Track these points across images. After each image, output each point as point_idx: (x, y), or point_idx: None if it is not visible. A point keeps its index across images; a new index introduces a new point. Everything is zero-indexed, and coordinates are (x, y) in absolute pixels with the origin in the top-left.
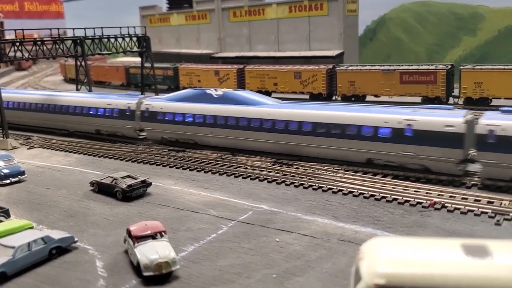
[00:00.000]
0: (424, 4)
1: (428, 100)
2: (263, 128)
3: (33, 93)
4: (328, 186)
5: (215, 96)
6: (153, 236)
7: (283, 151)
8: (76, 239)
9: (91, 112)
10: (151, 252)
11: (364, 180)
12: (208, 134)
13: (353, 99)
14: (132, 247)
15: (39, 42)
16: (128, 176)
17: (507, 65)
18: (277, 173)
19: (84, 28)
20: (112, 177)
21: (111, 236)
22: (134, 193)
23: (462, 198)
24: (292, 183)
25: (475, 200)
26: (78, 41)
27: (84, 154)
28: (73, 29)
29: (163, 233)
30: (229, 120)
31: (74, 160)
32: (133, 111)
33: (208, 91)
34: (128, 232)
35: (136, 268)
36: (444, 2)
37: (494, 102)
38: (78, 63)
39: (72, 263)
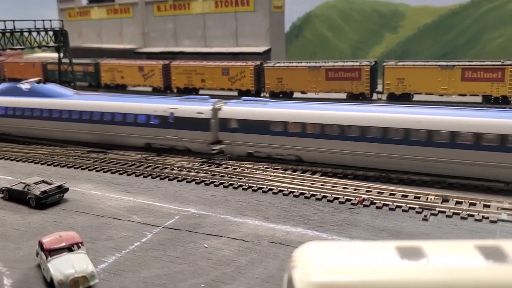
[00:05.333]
0: (348, 1)
1: (353, 96)
2: None
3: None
4: (258, 186)
5: None
6: (69, 248)
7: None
8: None
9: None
10: (66, 267)
11: (294, 178)
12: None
13: (281, 96)
14: (45, 261)
15: None
16: (43, 181)
17: (427, 61)
18: (206, 173)
19: None
20: (24, 183)
21: (22, 249)
22: (49, 199)
23: (390, 194)
24: (221, 183)
25: (403, 195)
26: None
27: None
28: None
29: (80, 245)
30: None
31: None
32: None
33: None
34: (41, 245)
35: (50, 285)
36: (367, 0)
37: (416, 98)
38: None
39: None
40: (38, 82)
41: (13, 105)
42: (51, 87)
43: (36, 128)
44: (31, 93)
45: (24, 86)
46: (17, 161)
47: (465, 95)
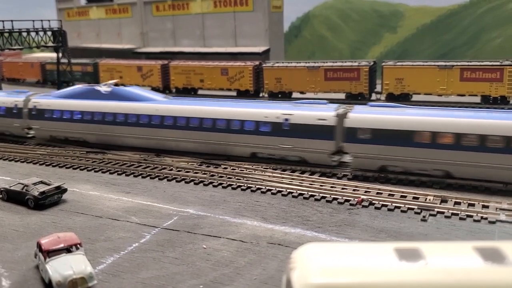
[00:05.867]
0: (347, 1)
1: (351, 97)
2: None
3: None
4: (257, 186)
5: None
6: (67, 249)
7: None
8: None
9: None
10: (64, 268)
11: (293, 179)
12: None
13: (279, 96)
14: (43, 262)
15: None
16: (41, 182)
17: (426, 62)
18: (204, 173)
19: None
20: (22, 184)
21: (21, 250)
22: (48, 200)
23: (389, 195)
24: (220, 184)
25: (401, 196)
26: None
27: None
28: None
29: (78, 246)
30: None
31: None
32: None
33: None
34: (39, 246)
35: (48, 286)
36: (366, 0)
37: (414, 98)
38: None
39: None
40: (116, 84)
41: (91, 110)
42: (136, 90)
43: (120, 135)
44: (112, 96)
45: (104, 89)
46: (15, 161)
47: (463, 95)
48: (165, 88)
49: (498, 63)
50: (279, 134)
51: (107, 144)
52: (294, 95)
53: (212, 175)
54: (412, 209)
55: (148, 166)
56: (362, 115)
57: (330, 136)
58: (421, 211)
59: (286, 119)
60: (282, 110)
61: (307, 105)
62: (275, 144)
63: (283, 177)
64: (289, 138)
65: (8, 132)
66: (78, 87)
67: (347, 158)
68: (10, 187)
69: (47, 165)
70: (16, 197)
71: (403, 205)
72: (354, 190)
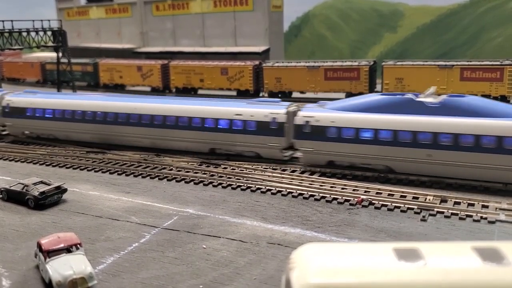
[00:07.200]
0: (346, 1)
1: (351, 96)
2: None
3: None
4: (257, 186)
5: None
6: (67, 249)
7: None
8: None
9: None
10: (64, 268)
11: (292, 179)
12: None
13: (279, 95)
14: (43, 262)
15: None
16: (41, 182)
17: (426, 61)
18: (204, 173)
19: None
20: (23, 184)
21: (21, 250)
22: (48, 200)
23: (389, 195)
24: (220, 184)
25: (401, 196)
26: None
27: None
28: None
29: (78, 246)
30: None
31: None
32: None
33: None
34: (39, 246)
35: (48, 286)
36: None
37: None
38: None
39: None
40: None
41: (413, 129)
42: (486, 102)
43: (470, 164)
44: (445, 110)
45: (428, 99)
46: (16, 161)
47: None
48: (165, 88)
49: (498, 63)
50: None
51: (440, 178)
52: (294, 95)
53: (212, 175)
54: (412, 209)
55: (148, 166)
56: None
57: None
58: (420, 211)
59: None
60: None
61: None
62: None
63: (283, 177)
64: None
65: (252, 153)
66: (374, 96)
67: None
68: (10, 187)
69: (47, 165)
70: (16, 197)
71: (402, 205)
72: (354, 190)
